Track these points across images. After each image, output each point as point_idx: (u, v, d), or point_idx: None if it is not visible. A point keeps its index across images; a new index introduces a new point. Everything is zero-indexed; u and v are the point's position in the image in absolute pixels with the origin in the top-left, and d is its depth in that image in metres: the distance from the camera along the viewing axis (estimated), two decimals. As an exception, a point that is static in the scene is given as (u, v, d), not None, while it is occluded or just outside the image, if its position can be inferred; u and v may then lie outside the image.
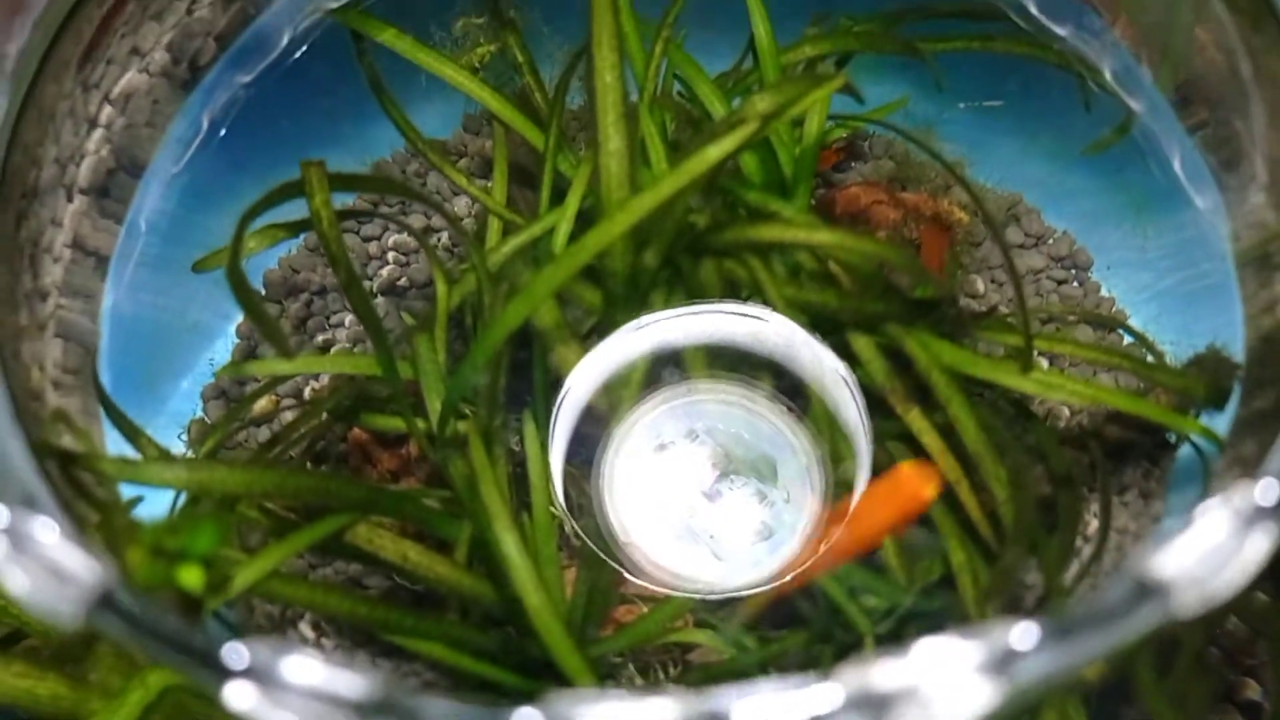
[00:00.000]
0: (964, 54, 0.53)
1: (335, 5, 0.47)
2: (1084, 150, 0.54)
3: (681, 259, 0.44)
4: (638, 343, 0.51)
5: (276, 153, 0.49)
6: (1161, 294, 0.54)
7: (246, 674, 0.18)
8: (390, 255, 0.58)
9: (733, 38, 0.54)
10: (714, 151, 0.37)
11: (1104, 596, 0.19)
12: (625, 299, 0.44)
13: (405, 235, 0.58)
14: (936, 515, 0.42)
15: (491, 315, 0.44)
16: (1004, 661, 0.18)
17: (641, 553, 0.52)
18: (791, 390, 0.52)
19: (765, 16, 0.49)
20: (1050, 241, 0.58)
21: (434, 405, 0.45)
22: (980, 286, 0.57)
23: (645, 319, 0.49)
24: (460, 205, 0.60)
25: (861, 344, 0.42)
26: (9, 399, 0.28)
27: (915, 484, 0.42)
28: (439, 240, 0.58)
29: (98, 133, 0.40)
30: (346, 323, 0.57)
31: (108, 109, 0.40)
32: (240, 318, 0.56)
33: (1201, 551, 0.19)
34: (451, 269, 0.49)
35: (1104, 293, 0.56)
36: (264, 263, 0.57)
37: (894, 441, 0.44)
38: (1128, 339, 0.55)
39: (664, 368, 0.53)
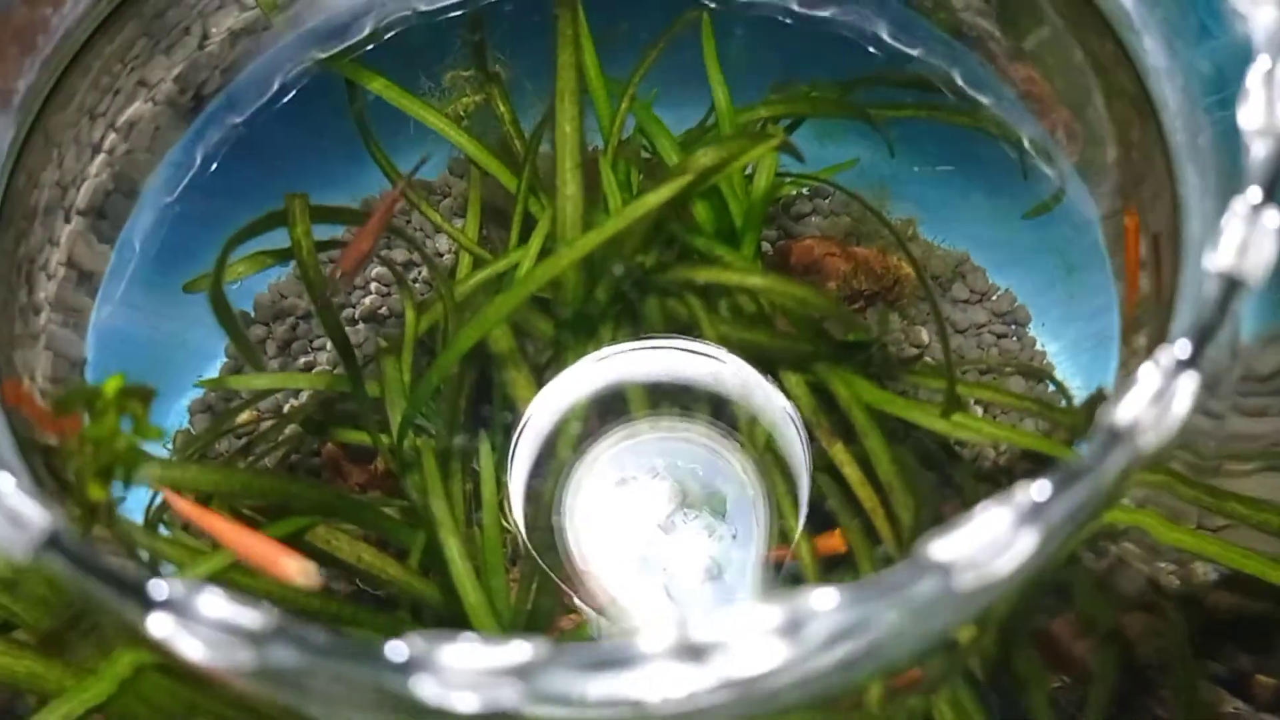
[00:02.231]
0: (918, 121, 0.58)
1: (325, 55, 0.51)
2: (1024, 215, 0.58)
3: (630, 295, 0.48)
4: (599, 375, 0.54)
5: (269, 187, 0.53)
6: (1082, 349, 0.57)
7: (166, 605, 0.22)
8: (372, 285, 0.62)
9: (703, 97, 0.58)
10: (652, 199, 0.41)
11: (892, 573, 0.23)
12: (576, 330, 0.47)
13: (386, 268, 0.62)
14: (854, 541, 0.45)
15: (450, 338, 0.47)
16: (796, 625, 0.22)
17: (598, 581, 0.55)
18: (744, 428, 0.56)
19: (723, 82, 0.54)
20: (993, 298, 0.61)
21: (397, 420, 0.49)
22: (925, 337, 0.60)
23: (607, 350, 0.53)
24: (442, 243, 0.64)
25: (793, 381, 0.46)
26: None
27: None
28: (419, 274, 0.62)
29: (100, 158, 0.44)
30: (328, 346, 0.61)
31: (112, 136, 0.44)
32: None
33: (981, 541, 0.23)
34: (427, 300, 0.52)
35: (1038, 347, 0.60)
36: (254, 287, 0.61)
37: (820, 473, 0.47)
38: (1052, 387, 0.58)
39: (624, 403, 0.57)
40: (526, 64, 0.61)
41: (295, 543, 0.44)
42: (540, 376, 0.50)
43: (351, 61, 0.54)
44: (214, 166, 0.49)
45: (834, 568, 0.49)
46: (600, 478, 0.57)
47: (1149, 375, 0.24)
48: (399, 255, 0.63)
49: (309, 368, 0.60)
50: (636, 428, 0.57)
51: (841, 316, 0.46)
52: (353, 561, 0.45)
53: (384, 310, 0.62)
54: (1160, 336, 0.34)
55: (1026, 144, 0.50)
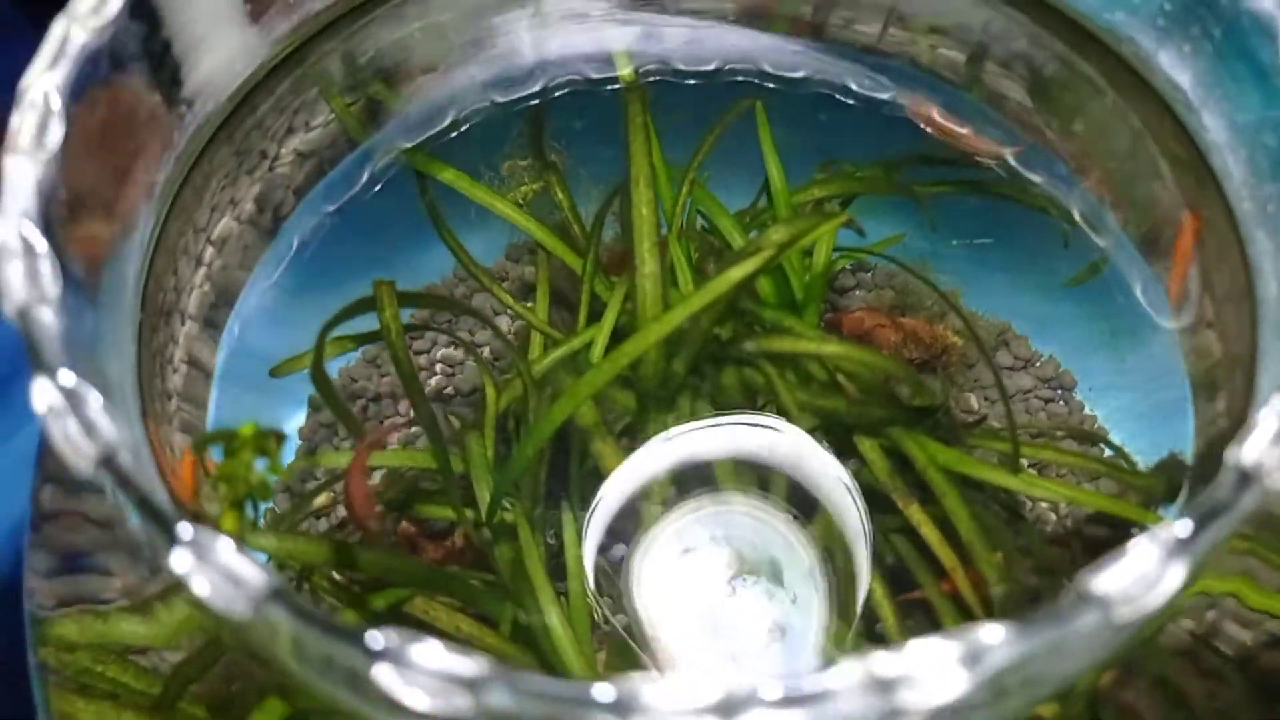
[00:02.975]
0: (957, 196, 0.60)
1: (409, 145, 0.54)
2: (1065, 283, 0.60)
3: (706, 367, 0.50)
4: (666, 455, 0.56)
5: (342, 275, 0.55)
6: (1137, 413, 0.59)
7: (384, 655, 0.24)
8: (438, 367, 0.64)
9: (751, 175, 0.61)
10: (736, 273, 0.43)
11: (1056, 606, 0.24)
12: (656, 401, 0.49)
13: (452, 349, 0.64)
14: (936, 602, 0.46)
15: (538, 413, 0.49)
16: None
17: (666, 647, 0.56)
18: (799, 499, 0.57)
19: (778, 163, 0.56)
20: (1038, 364, 0.64)
21: (483, 495, 0.51)
22: (974, 403, 0.62)
23: (674, 431, 0.55)
24: (501, 324, 0.66)
25: (866, 445, 0.48)
26: (152, 455, 0.33)
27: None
28: (484, 352, 0.65)
29: (201, 270, 0.46)
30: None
31: (210, 249, 0.47)
32: (301, 422, 0.62)
33: (1135, 574, 0.25)
34: (505, 379, 0.54)
35: (1087, 411, 0.62)
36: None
37: (895, 535, 0.49)
38: (1108, 452, 0.60)
39: (690, 479, 0.58)
40: (579, 150, 0.64)
41: (395, 614, 0.46)
42: (618, 445, 0.52)
43: (425, 154, 0.57)
44: (307, 254, 0.51)
45: (908, 624, 0.50)
46: (666, 548, 0.59)
47: (1268, 418, 0.27)
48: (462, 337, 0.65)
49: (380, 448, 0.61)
50: (700, 501, 0.59)
51: (912, 382, 0.48)
52: (451, 631, 0.46)
53: (449, 390, 0.64)
54: (1245, 391, 0.36)
55: (1076, 216, 0.53)
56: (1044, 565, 0.48)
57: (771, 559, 0.59)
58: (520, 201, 0.64)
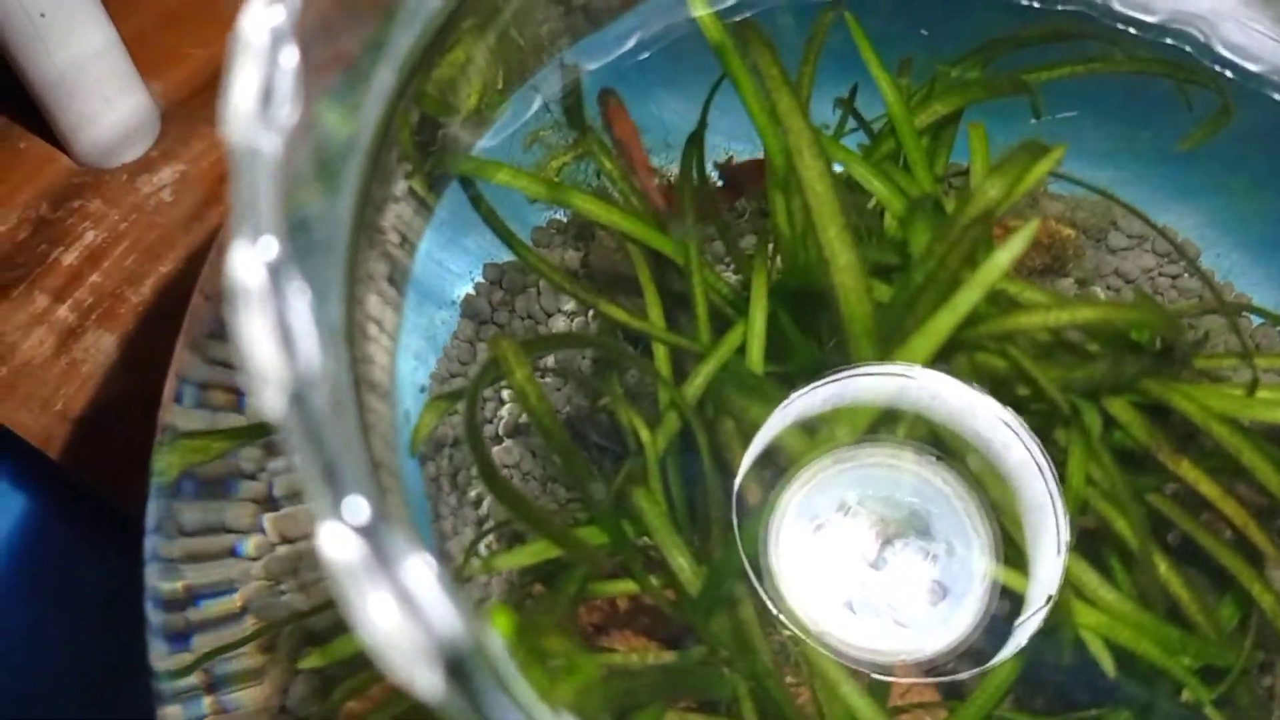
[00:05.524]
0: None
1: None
2: (1178, 146, 0.54)
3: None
4: (784, 420, 0.49)
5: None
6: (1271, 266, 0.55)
7: None
8: (504, 394, 0.54)
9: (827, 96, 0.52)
10: (1004, 256, 0.35)
11: None
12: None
13: (549, 372, 0.55)
14: (1230, 564, 0.41)
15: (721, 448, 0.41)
16: None
17: (835, 639, 0.50)
18: (942, 443, 0.51)
19: (891, 82, 0.47)
20: (1153, 238, 0.58)
21: (677, 561, 0.42)
22: (1102, 296, 0.56)
23: (792, 396, 0.47)
24: (558, 324, 0.56)
25: (1118, 407, 0.41)
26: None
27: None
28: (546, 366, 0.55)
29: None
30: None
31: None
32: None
33: None
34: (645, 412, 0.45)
35: (1218, 280, 0.57)
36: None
37: (1156, 495, 0.43)
38: (1256, 321, 0.55)
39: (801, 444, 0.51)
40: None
41: None
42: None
43: (469, 158, 0.46)
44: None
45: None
46: (794, 529, 0.52)
47: None
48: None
49: (479, 500, 0.51)
50: (818, 465, 0.52)
51: (1175, 327, 0.41)
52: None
53: (524, 419, 0.54)
54: None
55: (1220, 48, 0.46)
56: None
57: (915, 512, 0.53)
58: (554, 178, 0.54)
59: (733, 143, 0.57)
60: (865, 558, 0.51)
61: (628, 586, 0.44)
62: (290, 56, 0.20)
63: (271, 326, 0.18)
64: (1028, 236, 0.36)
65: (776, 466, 0.50)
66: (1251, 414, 0.40)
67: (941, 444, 0.50)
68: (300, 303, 0.18)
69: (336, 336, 0.23)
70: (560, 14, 0.47)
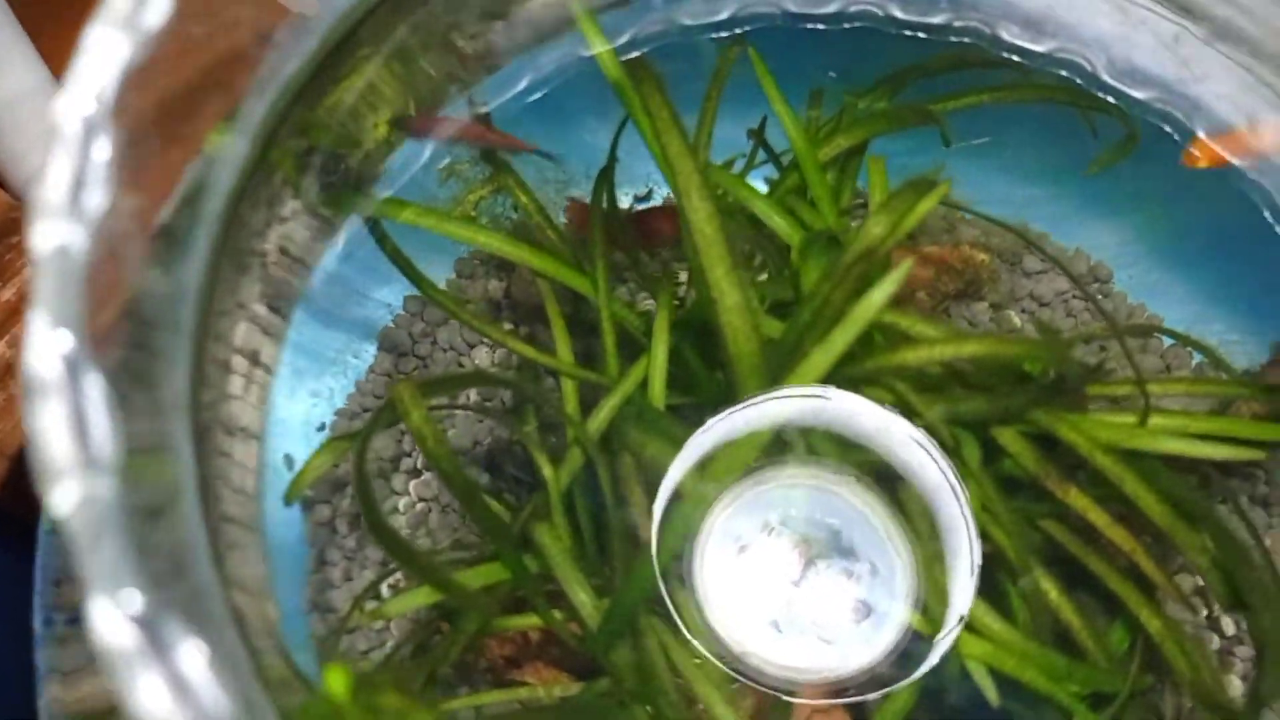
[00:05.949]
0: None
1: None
2: (1086, 171, 0.55)
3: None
4: (703, 446, 0.49)
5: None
6: (1194, 290, 0.56)
7: None
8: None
9: (735, 132, 0.53)
10: (878, 296, 0.36)
11: None
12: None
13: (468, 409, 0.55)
14: (1119, 590, 0.42)
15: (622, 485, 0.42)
16: None
17: (760, 658, 0.50)
18: (864, 464, 0.52)
19: (793, 115, 0.48)
20: (1068, 260, 0.59)
21: (578, 596, 0.43)
22: (1016, 320, 0.57)
23: (709, 421, 0.47)
24: (480, 357, 0.57)
25: (1008, 437, 0.42)
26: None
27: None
28: (467, 400, 0.55)
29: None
30: (400, 506, 0.53)
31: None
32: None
33: None
34: (549, 448, 0.46)
35: (1131, 300, 0.58)
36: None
37: (1049, 521, 0.44)
38: (1167, 342, 0.56)
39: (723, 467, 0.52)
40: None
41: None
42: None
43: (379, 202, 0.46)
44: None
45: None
46: (720, 551, 0.52)
47: None
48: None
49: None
50: (739, 487, 0.53)
51: (1066, 360, 0.42)
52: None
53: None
54: None
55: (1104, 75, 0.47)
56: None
57: (838, 531, 0.53)
58: (471, 213, 0.55)
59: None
60: (789, 577, 0.52)
61: (535, 620, 0.45)
62: (103, 148, 0.21)
63: (65, 417, 0.18)
64: (900, 277, 0.37)
65: (695, 493, 0.50)
66: (1138, 443, 0.41)
67: (860, 464, 0.51)
68: (95, 393, 0.19)
69: (162, 410, 0.23)
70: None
